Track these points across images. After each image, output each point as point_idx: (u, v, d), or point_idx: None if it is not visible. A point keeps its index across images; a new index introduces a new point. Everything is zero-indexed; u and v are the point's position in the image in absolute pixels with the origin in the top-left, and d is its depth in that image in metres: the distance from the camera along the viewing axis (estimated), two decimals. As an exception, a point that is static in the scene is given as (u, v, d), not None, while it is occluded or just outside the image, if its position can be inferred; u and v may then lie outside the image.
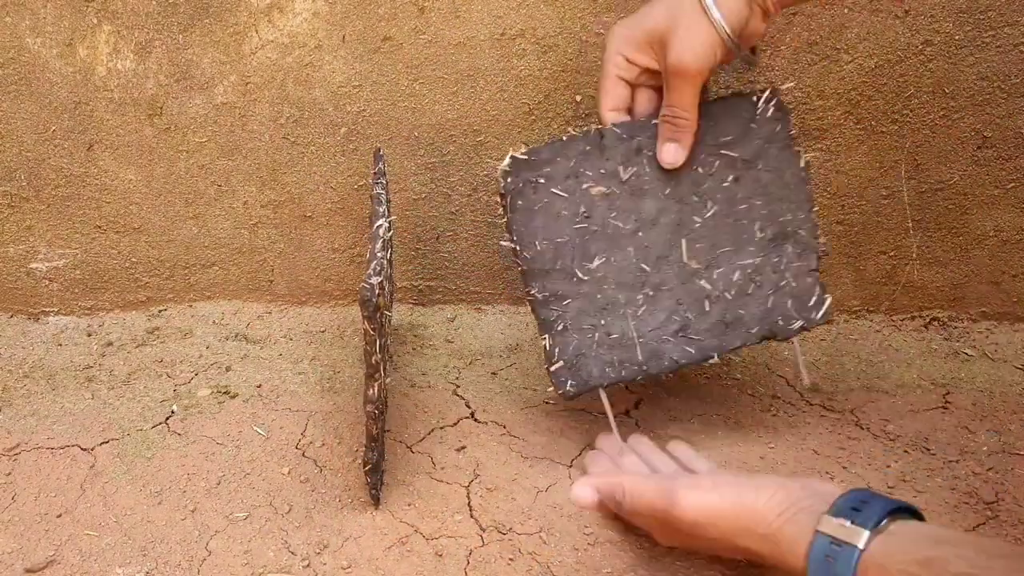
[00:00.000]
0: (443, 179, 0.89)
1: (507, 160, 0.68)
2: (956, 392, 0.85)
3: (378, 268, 0.64)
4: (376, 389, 0.64)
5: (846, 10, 0.80)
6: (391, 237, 0.78)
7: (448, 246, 0.92)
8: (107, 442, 0.77)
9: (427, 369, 0.87)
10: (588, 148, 0.69)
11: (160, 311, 0.95)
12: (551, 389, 0.72)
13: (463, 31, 0.81)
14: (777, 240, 0.71)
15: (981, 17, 0.79)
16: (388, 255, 0.72)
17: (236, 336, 0.92)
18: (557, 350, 0.71)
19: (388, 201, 0.78)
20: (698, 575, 0.64)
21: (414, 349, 0.90)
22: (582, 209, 0.69)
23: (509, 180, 0.69)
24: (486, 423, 0.80)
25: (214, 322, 0.93)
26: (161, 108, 0.84)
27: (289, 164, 0.88)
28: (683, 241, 0.70)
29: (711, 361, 0.72)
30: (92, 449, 0.76)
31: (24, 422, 0.79)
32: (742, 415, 0.81)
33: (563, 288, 0.70)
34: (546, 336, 0.71)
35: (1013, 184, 0.87)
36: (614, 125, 0.69)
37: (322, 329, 0.93)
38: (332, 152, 0.87)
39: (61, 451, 0.76)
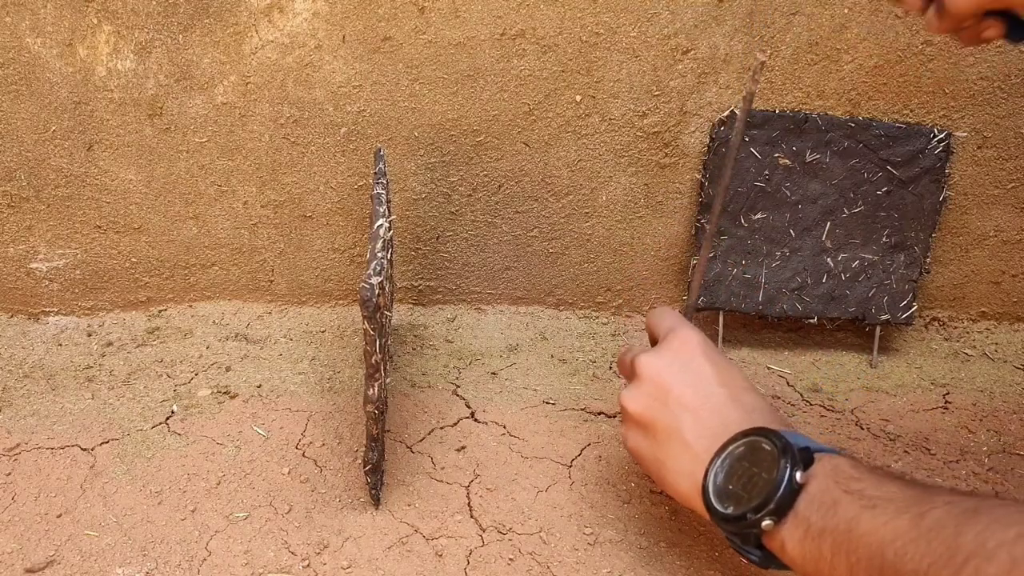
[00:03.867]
0: (443, 179, 0.89)
1: (727, 113, 0.83)
2: (956, 392, 0.85)
3: (378, 268, 0.64)
4: (376, 389, 0.64)
5: (846, 10, 0.80)
6: (391, 237, 0.78)
7: (448, 246, 0.92)
8: (107, 442, 0.77)
9: (427, 369, 0.87)
10: (791, 127, 0.82)
11: (160, 311, 0.95)
12: (685, 298, 0.90)
13: (463, 31, 0.81)
14: (896, 248, 0.86)
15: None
16: (388, 255, 0.72)
17: (236, 336, 0.92)
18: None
19: (388, 201, 0.78)
20: (698, 575, 0.64)
21: (414, 349, 0.90)
22: (765, 172, 0.84)
23: (722, 129, 0.83)
24: (486, 423, 0.80)
25: (214, 322, 0.93)
26: (161, 108, 0.84)
27: (289, 164, 0.88)
28: (828, 223, 0.85)
29: (810, 321, 0.87)
30: (92, 449, 0.76)
31: (24, 422, 0.79)
32: (742, 415, 0.81)
33: (725, 226, 0.86)
34: (697, 258, 0.84)
35: (1013, 184, 0.87)
36: (818, 116, 0.82)
37: (322, 329, 0.93)
38: (332, 152, 0.87)
39: (61, 451, 0.76)
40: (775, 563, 0.50)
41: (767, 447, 0.50)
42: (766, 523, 0.48)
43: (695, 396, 0.56)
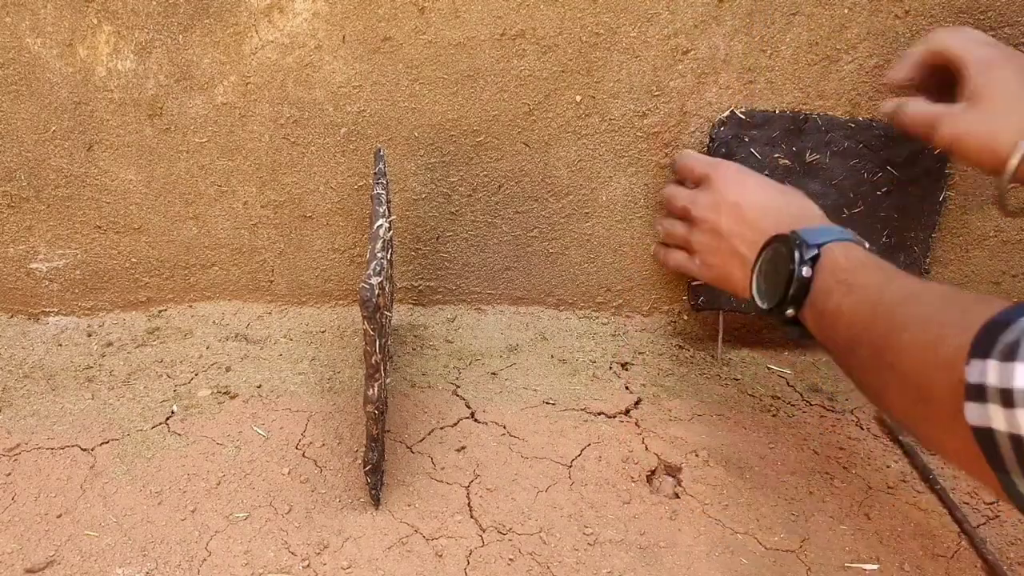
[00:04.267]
0: (443, 179, 0.89)
1: (727, 113, 0.82)
2: (956, 392, 0.85)
3: (378, 268, 0.64)
4: (376, 389, 0.64)
5: (846, 10, 0.80)
6: (391, 237, 0.78)
7: (448, 246, 0.92)
8: (107, 442, 0.77)
9: (427, 369, 0.87)
10: (791, 127, 0.83)
11: (160, 311, 0.95)
12: (685, 298, 0.91)
13: (463, 31, 0.81)
14: (896, 248, 0.86)
15: (981, 17, 0.79)
16: (388, 255, 0.72)
17: (236, 336, 0.92)
18: None
19: (388, 201, 0.78)
20: (698, 575, 0.64)
21: (414, 349, 0.90)
22: (766, 172, 0.82)
23: (722, 129, 0.83)
24: (486, 423, 0.80)
25: (214, 322, 0.93)
26: (161, 108, 0.84)
27: (289, 164, 0.88)
28: None
29: None
30: (92, 449, 0.76)
31: (24, 422, 0.79)
32: (742, 415, 0.81)
33: None
34: None
35: (1013, 184, 0.87)
36: (818, 116, 0.82)
37: (322, 329, 0.93)
38: (332, 152, 0.87)
39: (61, 451, 0.76)
40: (807, 336, 0.64)
41: (783, 250, 0.64)
42: (789, 311, 0.63)
43: (737, 220, 0.71)
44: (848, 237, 0.64)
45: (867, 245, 0.64)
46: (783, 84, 0.83)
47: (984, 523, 0.69)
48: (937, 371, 0.47)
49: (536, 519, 0.69)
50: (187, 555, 0.65)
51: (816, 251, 0.62)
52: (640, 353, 0.90)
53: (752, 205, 0.71)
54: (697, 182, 0.78)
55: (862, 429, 0.80)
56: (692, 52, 0.82)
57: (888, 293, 0.56)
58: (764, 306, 0.66)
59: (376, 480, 0.69)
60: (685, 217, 0.78)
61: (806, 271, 0.62)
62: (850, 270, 0.60)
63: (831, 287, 0.60)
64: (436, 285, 0.95)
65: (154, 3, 0.80)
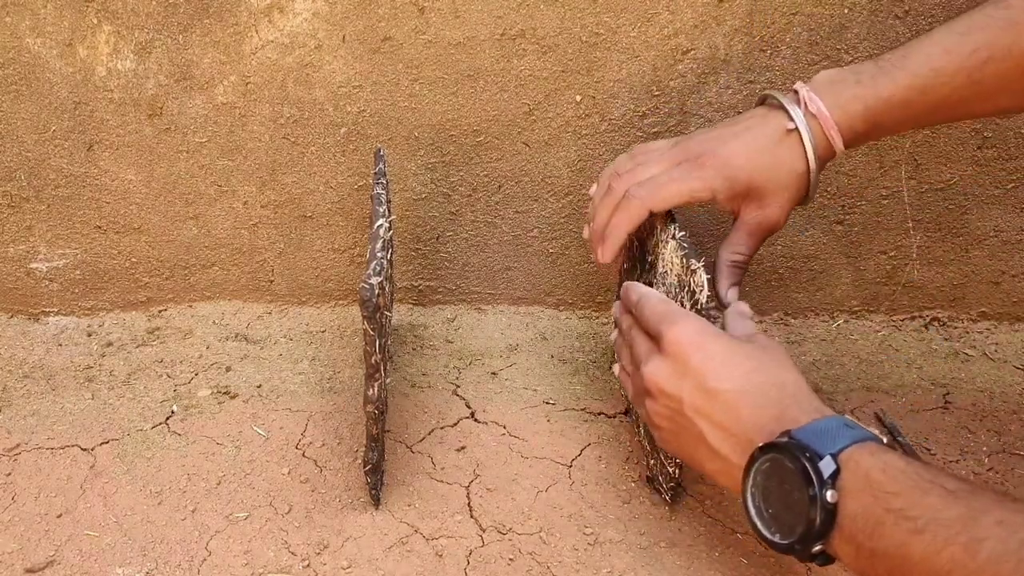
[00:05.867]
0: (443, 179, 0.89)
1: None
2: (956, 392, 0.85)
3: (378, 268, 0.64)
4: (376, 389, 0.64)
5: (846, 10, 0.80)
6: (391, 237, 0.78)
7: (448, 246, 0.92)
8: (107, 442, 0.77)
9: (427, 369, 0.87)
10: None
11: (160, 311, 0.95)
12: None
13: (463, 31, 0.81)
14: None
15: (981, 17, 0.79)
16: (388, 255, 0.72)
17: (236, 336, 0.92)
18: None
19: (388, 201, 0.78)
20: (698, 575, 0.64)
21: (414, 349, 0.90)
22: None
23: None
24: (486, 423, 0.80)
25: (214, 322, 0.93)
26: (161, 108, 0.84)
27: (289, 164, 0.88)
28: None
29: None
30: (92, 449, 0.76)
31: (24, 422, 0.79)
32: (742, 415, 0.81)
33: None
34: None
35: (1013, 184, 0.87)
36: None
37: (322, 329, 0.93)
38: (332, 152, 0.87)
39: (61, 451, 0.76)
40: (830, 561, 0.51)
41: (790, 465, 0.49)
42: (816, 548, 0.49)
43: (705, 402, 0.56)
44: (866, 435, 0.49)
45: (885, 440, 0.50)
46: (783, 84, 0.83)
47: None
48: None
49: (536, 519, 0.69)
50: (187, 555, 0.65)
51: (835, 465, 0.48)
52: (640, 353, 0.90)
53: (723, 380, 0.55)
54: (651, 337, 0.61)
55: (862, 429, 0.80)
56: (692, 52, 0.82)
57: (994, 536, 0.40)
58: (778, 540, 0.51)
59: (376, 480, 0.69)
60: (635, 367, 0.62)
61: (831, 496, 0.47)
62: (899, 493, 0.45)
63: (879, 516, 0.45)
64: (436, 285, 0.95)
65: (154, 3, 0.80)
